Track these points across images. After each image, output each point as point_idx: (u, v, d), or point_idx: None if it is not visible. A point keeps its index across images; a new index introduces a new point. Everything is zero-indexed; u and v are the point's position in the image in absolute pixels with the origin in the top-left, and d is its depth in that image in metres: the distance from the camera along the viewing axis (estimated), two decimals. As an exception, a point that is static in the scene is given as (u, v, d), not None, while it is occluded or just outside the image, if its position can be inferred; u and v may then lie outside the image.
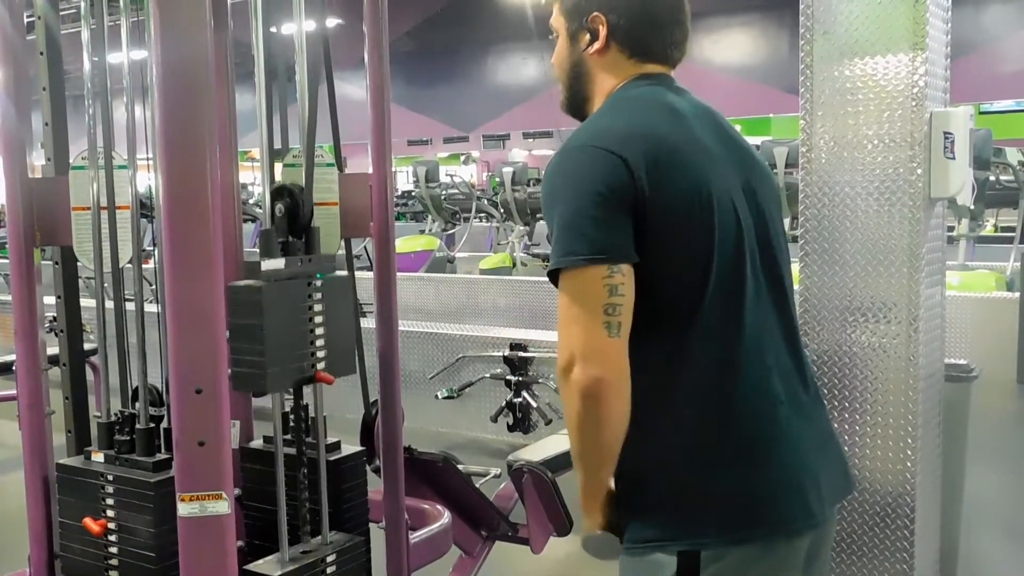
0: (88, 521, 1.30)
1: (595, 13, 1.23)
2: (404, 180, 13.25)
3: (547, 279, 1.17)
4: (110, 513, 1.30)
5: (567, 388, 1.11)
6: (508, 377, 3.89)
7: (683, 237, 1.13)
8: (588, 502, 1.21)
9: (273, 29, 1.38)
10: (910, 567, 1.77)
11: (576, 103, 1.30)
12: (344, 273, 1.31)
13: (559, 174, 1.14)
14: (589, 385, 1.09)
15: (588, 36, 1.25)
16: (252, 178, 11.53)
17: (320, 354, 1.24)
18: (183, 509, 1.10)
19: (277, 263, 1.20)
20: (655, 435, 1.17)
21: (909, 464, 1.76)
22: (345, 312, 1.29)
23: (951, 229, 5.11)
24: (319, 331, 1.24)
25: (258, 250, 1.24)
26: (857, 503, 1.79)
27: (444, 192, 8.13)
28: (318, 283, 1.24)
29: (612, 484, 1.19)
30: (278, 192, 1.26)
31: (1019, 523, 2.91)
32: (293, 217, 1.24)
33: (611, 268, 1.09)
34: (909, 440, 1.76)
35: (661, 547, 1.15)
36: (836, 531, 1.79)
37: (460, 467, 2.02)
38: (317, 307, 1.23)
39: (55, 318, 1.78)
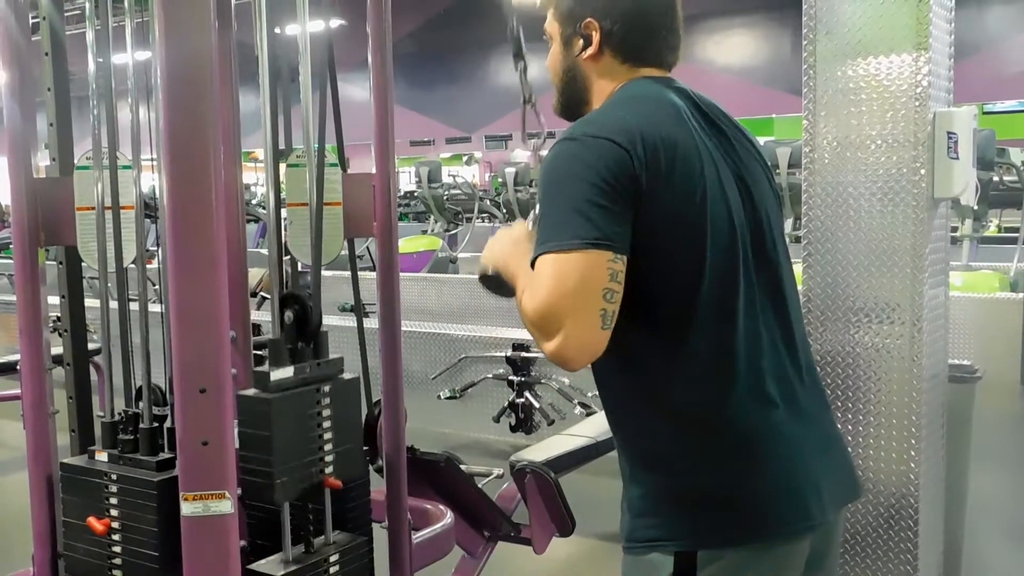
0: (92, 520, 1.30)
1: (589, 19, 1.23)
2: (406, 181, 13.25)
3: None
4: (114, 512, 1.31)
5: (537, 335, 1.09)
6: (510, 377, 3.89)
7: (676, 238, 1.13)
8: (509, 278, 1.20)
9: (277, 30, 1.38)
10: (914, 568, 1.77)
11: (570, 107, 1.29)
12: (353, 376, 1.31)
13: (563, 160, 1.13)
14: (563, 363, 1.09)
15: (582, 42, 1.24)
16: (255, 178, 11.56)
17: (328, 458, 1.25)
18: (186, 508, 1.11)
19: (286, 372, 1.20)
20: (652, 437, 1.17)
21: (912, 465, 1.76)
22: (353, 413, 1.30)
23: (954, 230, 5.10)
24: (327, 435, 1.25)
25: (262, 250, 1.24)
26: (860, 504, 1.79)
27: (446, 192, 8.14)
28: (326, 388, 1.25)
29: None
30: (287, 300, 1.25)
31: (1023, 524, 2.90)
32: (302, 324, 1.24)
33: (615, 256, 1.08)
34: (912, 441, 1.75)
35: (658, 547, 1.15)
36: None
37: (463, 467, 2.02)
38: (326, 412, 1.25)
39: (59, 318, 1.79)
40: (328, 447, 1.25)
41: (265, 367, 1.21)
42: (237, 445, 1.17)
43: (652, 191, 1.10)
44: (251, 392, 1.19)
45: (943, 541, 1.94)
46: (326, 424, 1.24)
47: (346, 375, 1.29)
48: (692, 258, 1.13)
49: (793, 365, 1.22)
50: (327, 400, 1.24)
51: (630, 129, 1.12)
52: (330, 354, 1.29)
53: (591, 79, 1.26)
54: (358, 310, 1.58)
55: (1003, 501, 2.92)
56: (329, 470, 1.25)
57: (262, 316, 1.40)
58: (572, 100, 1.29)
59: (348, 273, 1.60)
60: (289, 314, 1.23)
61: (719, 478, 1.15)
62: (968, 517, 2.12)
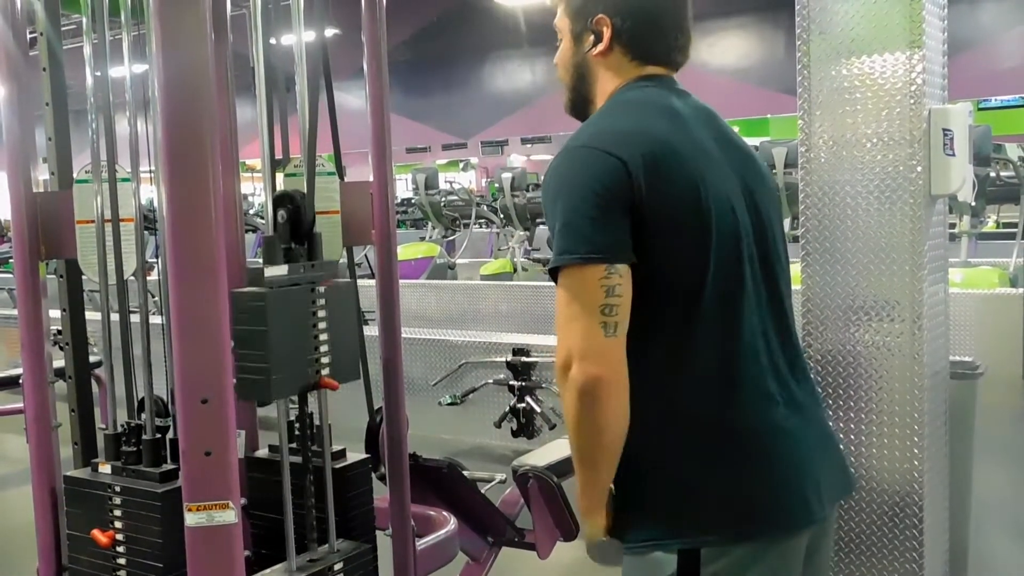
0: (96, 532, 1.30)
1: (600, 15, 1.24)
2: (403, 188, 13.27)
3: (549, 284, 1.18)
4: (118, 524, 1.31)
5: (566, 387, 1.11)
6: (511, 382, 3.89)
7: (680, 239, 1.14)
8: (588, 504, 1.19)
9: (272, 41, 1.39)
10: (919, 566, 1.77)
11: (579, 104, 1.31)
12: (346, 280, 1.31)
13: (558, 175, 1.15)
14: (586, 383, 1.09)
15: (592, 38, 1.26)
16: (252, 188, 11.58)
17: (324, 360, 1.24)
18: (190, 519, 1.11)
19: (280, 270, 1.20)
20: (655, 434, 1.18)
21: (916, 463, 1.75)
22: (349, 318, 1.29)
23: (952, 226, 5.10)
24: (323, 337, 1.23)
25: (261, 259, 1.24)
26: (865, 503, 1.79)
27: (444, 199, 8.13)
28: (321, 289, 1.24)
29: (612, 487, 1.18)
30: (280, 199, 1.26)
31: (1027, 519, 2.90)
32: (295, 224, 1.25)
33: (608, 268, 1.09)
34: (916, 439, 1.75)
35: (661, 545, 1.15)
36: (844, 531, 1.79)
37: (465, 473, 2.02)
38: (321, 313, 1.23)
39: (60, 331, 1.79)
40: (324, 348, 1.23)
41: (259, 264, 1.20)
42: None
43: (651, 197, 1.11)
44: (246, 289, 1.18)
45: (948, 538, 1.93)
46: (322, 325, 1.23)
47: (341, 280, 1.28)
48: (697, 258, 1.14)
49: (787, 361, 1.23)
50: (322, 300, 1.23)
51: (626, 137, 1.13)
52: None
53: (598, 75, 1.27)
54: (358, 318, 1.58)
55: (1008, 496, 2.92)
56: (325, 372, 1.23)
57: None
58: (581, 97, 1.30)
59: (347, 280, 1.60)
60: (282, 213, 1.23)
61: (722, 475, 1.15)
62: (973, 513, 2.12)
